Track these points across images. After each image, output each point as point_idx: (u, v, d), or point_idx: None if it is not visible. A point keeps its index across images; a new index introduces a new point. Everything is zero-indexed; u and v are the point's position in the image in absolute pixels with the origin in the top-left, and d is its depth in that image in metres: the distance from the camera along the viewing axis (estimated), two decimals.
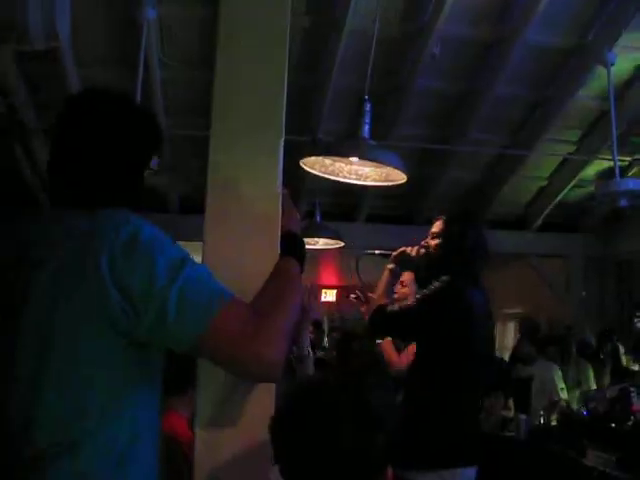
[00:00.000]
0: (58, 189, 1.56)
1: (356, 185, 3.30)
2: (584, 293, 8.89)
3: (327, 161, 3.10)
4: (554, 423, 4.62)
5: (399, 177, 3.03)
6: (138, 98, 4.78)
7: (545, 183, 8.31)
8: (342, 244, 5.89)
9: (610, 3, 5.62)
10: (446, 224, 3.20)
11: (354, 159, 3.01)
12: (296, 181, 7.14)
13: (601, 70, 6.09)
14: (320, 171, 3.15)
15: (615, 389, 4.89)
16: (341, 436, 1.28)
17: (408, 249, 3.25)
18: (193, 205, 7.29)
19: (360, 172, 3.13)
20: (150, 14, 4.97)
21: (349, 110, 6.47)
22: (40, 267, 1.40)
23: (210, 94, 1.79)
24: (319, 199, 6.29)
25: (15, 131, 6.21)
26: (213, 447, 1.59)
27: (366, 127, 3.06)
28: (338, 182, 3.28)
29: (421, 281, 3.33)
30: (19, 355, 1.40)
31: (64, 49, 5.20)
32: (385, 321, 3.15)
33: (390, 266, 3.30)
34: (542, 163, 7.92)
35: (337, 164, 3.09)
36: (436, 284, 3.03)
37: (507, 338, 10.06)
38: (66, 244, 1.41)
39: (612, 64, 5.95)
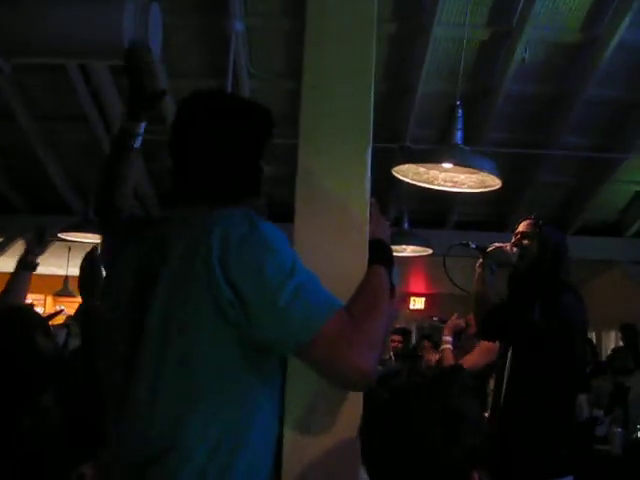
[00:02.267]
0: (182, 192, 1.64)
1: (447, 192, 3.26)
2: None
3: (420, 169, 3.07)
4: None
5: (494, 183, 2.98)
6: None
7: None
8: (430, 251, 5.84)
9: None
10: (539, 226, 3.08)
11: (447, 165, 2.98)
12: (384, 188, 7.14)
13: None
14: (412, 179, 3.12)
15: None
16: (429, 439, 1.27)
17: (503, 245, 3.11)
18: (282, 213, 7.37)
19: (454, 179, 3.09)
20: (238, 27, 5.07)
21: (437, 116, 6.43)
22: (164, 265, 1.48)
23: (298, 103, 1.81)
24: (407, 206, 6.26)
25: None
26: (301, 448, 1.59)
27: (459, 133, 3.02)
28: (426, 189, 3.25)
29: (516, 280, 3.12)
30: (145, 353, 1.49)
31: (157, 63, 5.37)
32: (504, 326, 2.97)
33: (487, 262, 3.09)
34: (637, 167, 7.64)
35: (430, 171, 3.05)
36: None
37: (605, 347, 9.74)
38: (185, 241, 1.48)
39: None
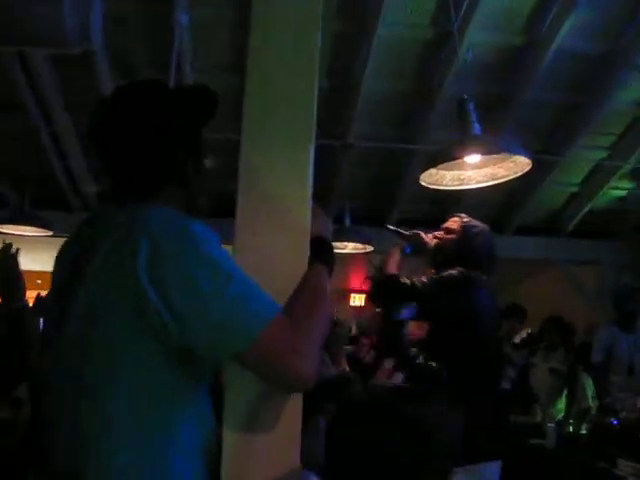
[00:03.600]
0: (111, 186, 1.57)
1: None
2: None
3: (456, 173, 3.08)
4: (584, 432, 4.56)
5: (525, 163, 2.97)
6: None
7: (577, 189, 8.22)
8: (372, 248, 5.87)
9: None
10: (462, 225, 3.20)
11: (475, 157, 2.94)
12: (326, 185, 7.16)
13: (636, 75, 6.02)
14: (450, 185, 3.11)
15: None
16: (398, 455, 1.28)
17: (422, 234, 3.22)
18: (223, 209, 7.32)
19: (491, 172, 3.08)
20: (182, 19, 5.00)
21: (381, 114, 6.47)
22: (88, 264, 1.41)
23: (242, 98, 1.80)
24: (349, 203, 6.28)
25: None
26: (241, 452, 1.58)
27: (475, 125, 3.01)
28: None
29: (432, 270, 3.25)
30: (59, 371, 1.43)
31: (98, 53, 5.27)
32: (392, 290, 3.10)
33: (400, 243, 3.26)
34: (574, 169, 7.83)
35: (468, 172, 3.04)
36: (451, 271, 3.04)
37: None
38: (107, 247, 1.40)
39: None
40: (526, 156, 2.91)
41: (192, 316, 1.33)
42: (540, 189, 7.95)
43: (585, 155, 7.50)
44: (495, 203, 8.19)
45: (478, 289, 3.08)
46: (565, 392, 5.84)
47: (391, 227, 3.37)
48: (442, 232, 3.23)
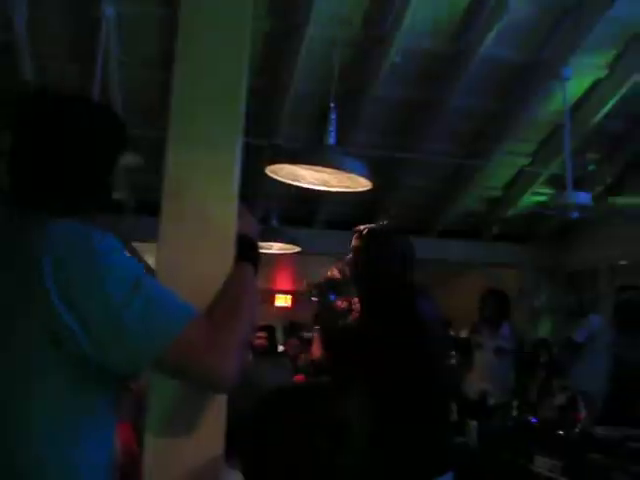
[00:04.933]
0: (19, 191, 1.49)
1: (315, 191, 3.29)
2: (536, 303, 9.03)
3: (293, 168, 3.09)
4: (506, 430, 4.67)
5: (364, 184, 3.04)
6: (95, 96, 4.71)
7: (499, 194, 8.42)
8: (298, 249, 5.88)
9: (566, 20, 5.74)
10: (365, 238, 3.07)
11: (319, 167, 3.01)
12: (254, 185, 7.13)
13: (557, 84, 6.21)
14: (284, 177, 3.14)
15: (563, 397, 4.98)
16: (313, 450, 1.27)
17: (334, 273, 3.09)
18: (148, 206, 7.21)
19: (325, 179, 3.13)
20: (108, 11, 4.90)
21: (309, 115, 6.49)
22: None
23: (168, 95, 1.77)
24: (276, 203, 6.28)
25: None
26: (163, 456, 1.56)
27: (332, 134, 3.05)
28: (296, 187, 3.28)
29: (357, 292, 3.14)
30: None
31: (20, 41, 5.13)
32: (340, 359, 2.96)
33: (315, 299, 3.10)
34: (497, 174, 8.02)
35: (303, 171, 3.07)
36: (384, 299, 2.91)
37: None
38: (11, 261, 1.34)
39: (567, 79, 6.08)
40: (366, 178, 2.98)
41: (103, 327, 1.29)
42: (463, 193, 8.12)
43: (508, 161, 7.70)
44: (420, 206, 8.31)
45: (419, 305, 2.94)
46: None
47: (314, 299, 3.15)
48: (350, 255, 3.11)
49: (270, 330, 6.84)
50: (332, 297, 3.12)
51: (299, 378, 5.21)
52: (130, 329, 1.30)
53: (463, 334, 6.83)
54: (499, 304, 6.21)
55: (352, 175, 3.01)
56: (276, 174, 3.14)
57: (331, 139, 3.06)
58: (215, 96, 1.75)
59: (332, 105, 3.12)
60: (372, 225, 3.13)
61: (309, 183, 3.15)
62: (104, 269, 1.32)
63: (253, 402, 1.45)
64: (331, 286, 3.11)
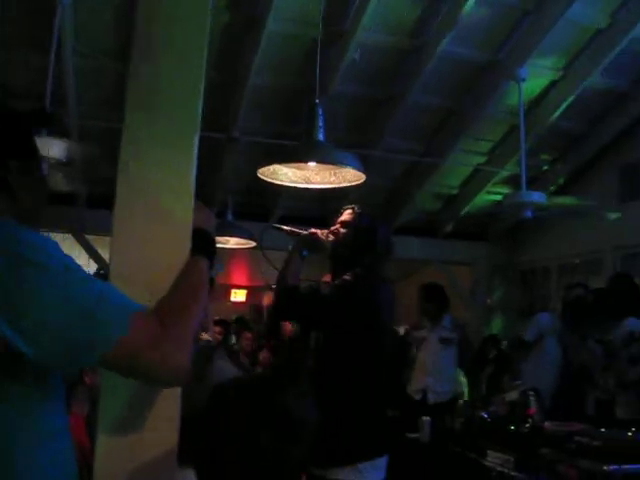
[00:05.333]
0: None
1: (273, 185, 3.28)
2: (489, 300, 9.15)
3: (276, 167, 3.07)
4: (458, 425, 4.72)
5: (353, 178, 3.05)
6: (50, 85, 4.63)
7: (455, 192, 8.50)
8: (254, 244, 5.85)
9: (524, 21, 5.81)
10: (357, 216, 3.18)
11: (312, 163, 3.00)
12: (210, 178, 7.08)
13: (513, 85, 6.29)
14: (269, 177, 3.11)
15: (515, 393, 5.05)
16: (259, 442, 1.26)
17: (319, 232, 3.17)
18: (102, 199, 7.11)
19: (307, 176, 3.12)
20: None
21: (267, 109, 6.46)
22: None
23: (124, 85, 1.74)
24: (232, 198, 6.24)
25: None
26: (115, 452, 1.53)
27: (321, 130, 3.05)
28: (252, 181, 3.27)
29: (331, 267, 3.22)
30: None
31: None
32: (295, 304, 3.05)
33: (298, 246, 3.16)
34: (453, 172, 8.10)
35: (285, 169, 3.05)
36: (350, 275, 3.00)
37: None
38: None
39: (523, 80, 6.17)
40: (359, 170, 3.01)
41: (42, 330, 1.23)
42: (420, 191, 8.17)
43: (464, 159, 7.77)
44: (377, 203, 8.34)
45: (379, 290, 3.09)
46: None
47: (285, 227, 3.24)
48: (338, 226, 3.18)
49: (225, 325, 6.81)
50: (305, 252, 3.16)
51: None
52: (67, 330, 1.25)
53: (401, 331, 6.87)
54: (437, 297, 6.28)
55: (338, 170, 3.01)
56: (263, 175, 3.11)
57: (320, 135, 3.04)
58: (173, 87, 1.72)
59: (317, 101, 3.10)
60: (364, 208, 3.25)
61: (291, 182, 3.13)
62: (39, 270, 1.25)
63: (205, 398, 1.43)
64: (312, 243, 3.14)
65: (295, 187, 3.29)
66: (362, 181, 3.14)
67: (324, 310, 3.01)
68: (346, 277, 3.01)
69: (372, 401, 3.03)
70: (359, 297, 2.99)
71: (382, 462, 2.97)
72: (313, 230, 3.16)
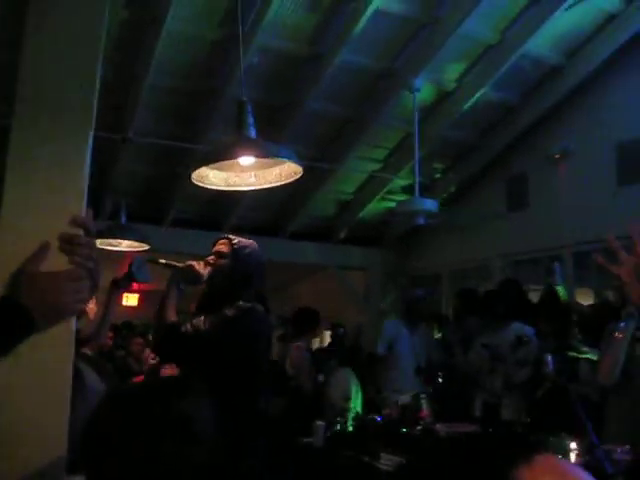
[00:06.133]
0: None
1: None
2: (382, 304, 9.30)
3: (217, 172, 2.99)
4: (351, 429, 4.76)
5: (297, 171, 3.03)
6: None
7: (350, 198, 8.61)
8: (147, 247, 5.73)
9: (420, 33, 5.96)
10: (233, 246, 3.15)
11: (249, 159, 2.93)
12: (102, 180, 6.89)
13: (408, 95, 6.44)
14: (211, 184, 3.02)
15: (407, 396, 5.15)
16: (158, 450, 1.23)
17: (195, 264, 3.12)
18: None
19: (225, 177, 3.05)
20: None
21: (163, 110, 6.35)
22: None
23: (14, 77, 1.66)
24: (125, 199, 6.09)
25: None
26: (4, 461, 1.46)
27: (252, 128, 3.00)
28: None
29: (206, 299, 3.16)
30: None
31: None
32: (177, 345, 2.98)
33: (175, 279, 3.12)
34: (348, 179, 8.19)
35: (208, 171, 2.97)
36: (233, 310, 2.98)
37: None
38: None
39: (417, 90, 6.33)
40: (297, 163, 3.01)
41: None
42: (315, 196, 8.23)
43: (359, 166, 7.88)
44: (272, 207, 8.35)
45: (256, 322, 3.06)
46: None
47: (162, 261, 3.16)
48: (214, 257, 3.14)
49: (116, 329, 6.64)
50: (182, 285, 3.12)
51: (139, 379, 5.06)
52: None
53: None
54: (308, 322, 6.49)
55: (285, 164, 2.98)
56: (211, 183, 3.03)
57: (251, 133, 3.00)
58: (67, 84, 1.66)
59: (245, 99, 3.05)
60: (239, 238, 3.21)
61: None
62: None
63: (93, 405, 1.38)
64: (190, 274, 3.08)
65: (231, 191, 3.21)
66: (300, 175, 3.12)
67: (206, 349, 2.93)
68: (228, 312, 2.97)
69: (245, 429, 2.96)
70: (242, 332, 2.96)
71: None
72: (190, 262, 3.11)
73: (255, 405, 3.05)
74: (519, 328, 5.23)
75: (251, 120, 3.06)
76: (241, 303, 3.00)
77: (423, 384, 5.73)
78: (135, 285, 12.06)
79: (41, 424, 1.51)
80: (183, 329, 2.98)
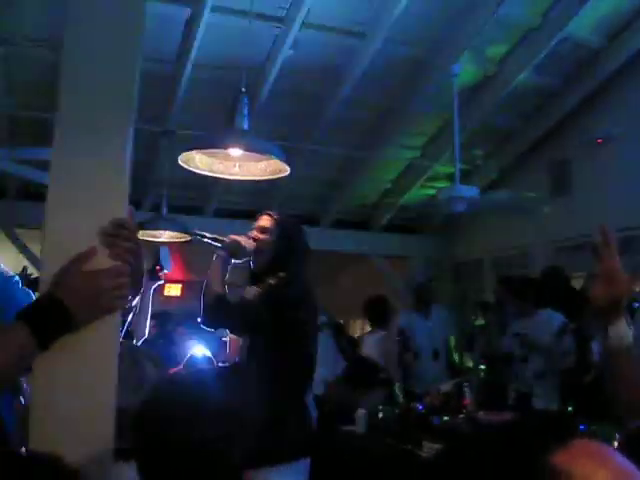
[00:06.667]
0: None
1: (208, 179, 3.27)
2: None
3: (204, 157, 3.05)
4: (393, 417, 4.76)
5: (282, 169, 3.06)
6: None
7: (390, 186, 8.58)
8: (188, 238, 5.80)
9: (459, 17, 5.90)
10: (276, 222, 3.22)
11: (236, 152, 2.99)
12: (145, 172, 6.98)
13: (447, 80, 6.38)
14: (196, 167, 3.08)
15: (449, 384, 5.13)
16: (202, 437, 1.26)
17: (240, 238, 3.17)
18: (34, 191, 6.93)
19: (241, 166, 3.10)
20: None
21: (204, 102, 6.39)
22: None
23: (56, 75, 1.70)
24: (166, 191, 6.17)
25: None
26: (48, 445, 1.50)
27: (246, 119, 3.04)
28: (187, 174, 3.24)
29: (255, 274, 3.23)
30: None
31: None
32: (225, 311, 3.08)
33: (222, 252, 3.15)
34: (388, 166, 8.17)
35: (213, 159, 3.02)
36: (275, 279, 3.06)
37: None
38: None
39: (457, 75, 6.26)
40: (285, 162, 3.06)
41: None
42: (355, 184, 8.22)
43: (398, 153, 7.85)
44: (312, 196, 8.37)
45: (298, 290, 3.13)
46: None
47: (208, 235, 3.21)
48: (256, 232, 3.20)
49: (162, 317, 6.71)
50: (228, 260, 3.17)
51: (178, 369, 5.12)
52: None
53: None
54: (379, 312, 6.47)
55: (260, 163, 3.02)
56: (186, 163, 3.10)
57: (245, 124, 3.04)
58: (107, 78, 1.69)
59: (243, 90, 3.09)
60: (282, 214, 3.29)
61: (197, 168, 3.13)
62: None
63: (143, 395, 1.42)
64: (235, 249, 3.13)
65: (214, 177, 3.29)
66: (286, 174, 3.16)
67: (251, 316, 3.04)
68: (271, 281, 3.06)
69: (301, 402, 3.10)
70: (285, 300, 3.04)
71: (302, 465, 2.99)
72: (233, 237, 3.16)
73: (304, 376, 3.13)
74: (552, 316, 5.15)
75: (246, 111, 3.10)
76: (282, 274, 3.07)
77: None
78: (177, 275, 12.13)
79: (87, 415, 1.54)
80: (229, 299, 3.07)
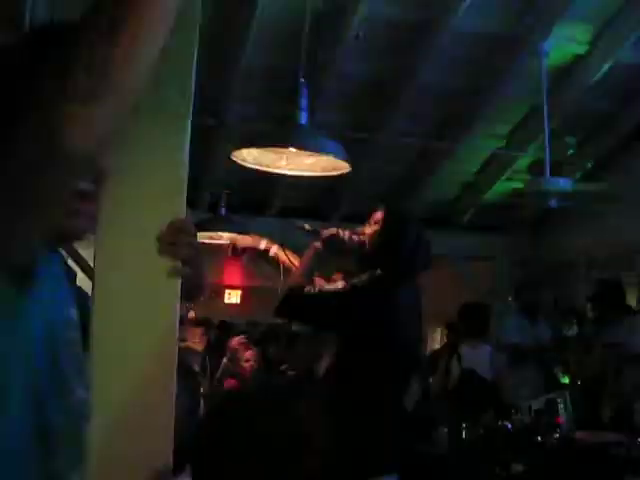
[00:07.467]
0: None
1: (273, 175, 3.31)
2: (510, 298, 9.12)
3: (255, 152, 3.10)
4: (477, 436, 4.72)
5: (342, 167, 3.08)
6: None
7: (471, 179, 8.49)
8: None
9: None
10: (386, 218, 3.22)
11: (292, 149, 3.02)
12: (200, 170, 7.08)
13: (535, 61, 6.28)
14: (253, 164, 3.14)
15: (541, 401, 5.05)
16: (270, 456, 1.30)
17: (341, 232, 3.21)
18: None
19: (298, 162, 3.14)
20: None
21: (262, 91, 6.46)
22: None
23: None
24: (225, 190, 6.24)
25: None
26: (110, 455, 1.56)
27: (304, 114, 3.07)
28: (246, 172, 3.29)
29: (361, 268, 3.22)
30: None
31: None
32: (301, 303, 3.11)
33: (317, 244, 3.20)
34: (469, 158, 8.09)
35: (270, 155, 3.07)
36: (365, 277, 3.05)
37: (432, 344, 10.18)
38: None
39: (546, 55, 6.15)
40: (342, 159, 3.11)
41: None
42: (432, 179, 8.16)
43: (481, 143, 7.76)
44: (382, 192, 8.33)
45: (397, 296, 3.13)
46: None
47: (307, 226, 3.28)
48: (365, 227, 3.21)
49: (223, 327, 6.78)
50: (322, 253, 3.22)
51: (231, 382, 5.17)
52: None
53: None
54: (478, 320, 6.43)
55: (320, 158, 3.04)
56: (245, 161, 3.15)
57: (302, 119, 3.07)
58: (164, 69, 1.74)
59: (302, 80, 3.11)
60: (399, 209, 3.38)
61: (281, 168, 3.17)
62: None
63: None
64: (332, 243, 3.16)
65: (271, 174, 3.32)
66: (347, 171, 3.17)
67: (331, 312, 3.06)
68: (359, 279, 3.07)
69: (386, 411, 3.07)
70: (370, 300, 3.04)
71: None
72: (335, 230, 3.20)
73: (392, 393, 3.13)
74: None
75: (305, 104, 3.11)
76: (374, 272, 3.07)
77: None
78: (237, 280, 12.21)
79: (146, 426, 1.60)
80: (307, 289, 3.10)
